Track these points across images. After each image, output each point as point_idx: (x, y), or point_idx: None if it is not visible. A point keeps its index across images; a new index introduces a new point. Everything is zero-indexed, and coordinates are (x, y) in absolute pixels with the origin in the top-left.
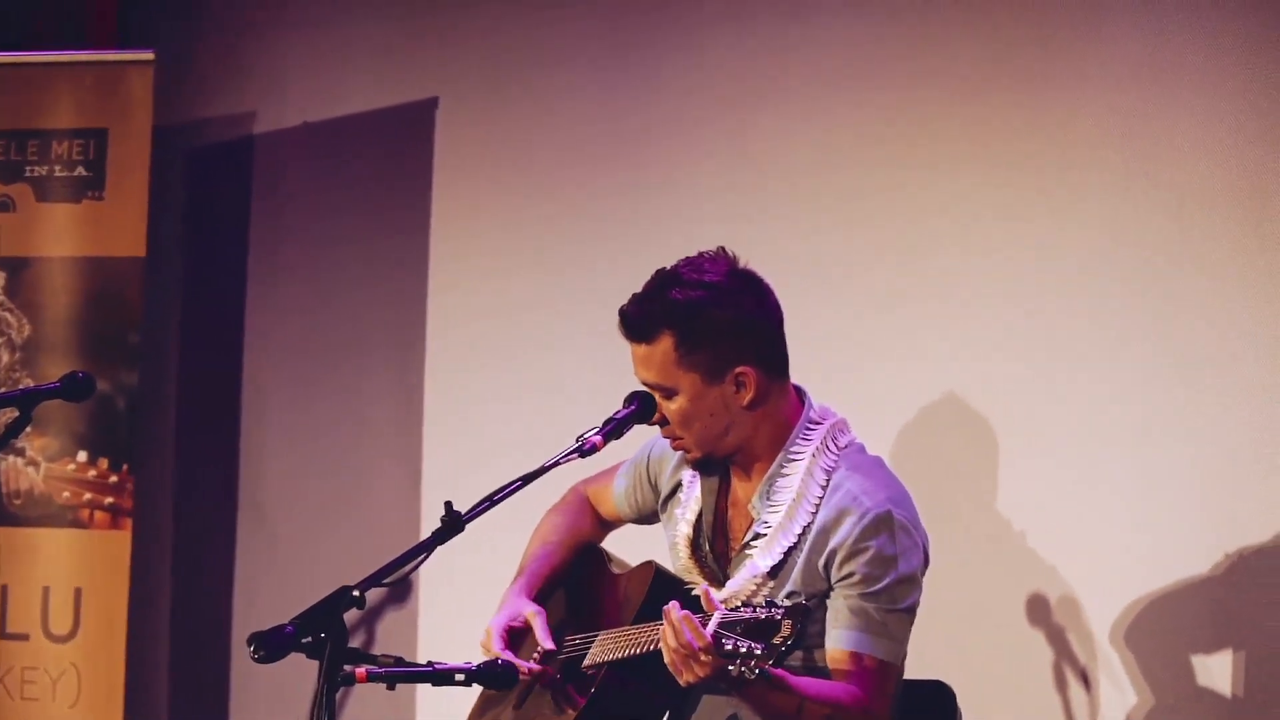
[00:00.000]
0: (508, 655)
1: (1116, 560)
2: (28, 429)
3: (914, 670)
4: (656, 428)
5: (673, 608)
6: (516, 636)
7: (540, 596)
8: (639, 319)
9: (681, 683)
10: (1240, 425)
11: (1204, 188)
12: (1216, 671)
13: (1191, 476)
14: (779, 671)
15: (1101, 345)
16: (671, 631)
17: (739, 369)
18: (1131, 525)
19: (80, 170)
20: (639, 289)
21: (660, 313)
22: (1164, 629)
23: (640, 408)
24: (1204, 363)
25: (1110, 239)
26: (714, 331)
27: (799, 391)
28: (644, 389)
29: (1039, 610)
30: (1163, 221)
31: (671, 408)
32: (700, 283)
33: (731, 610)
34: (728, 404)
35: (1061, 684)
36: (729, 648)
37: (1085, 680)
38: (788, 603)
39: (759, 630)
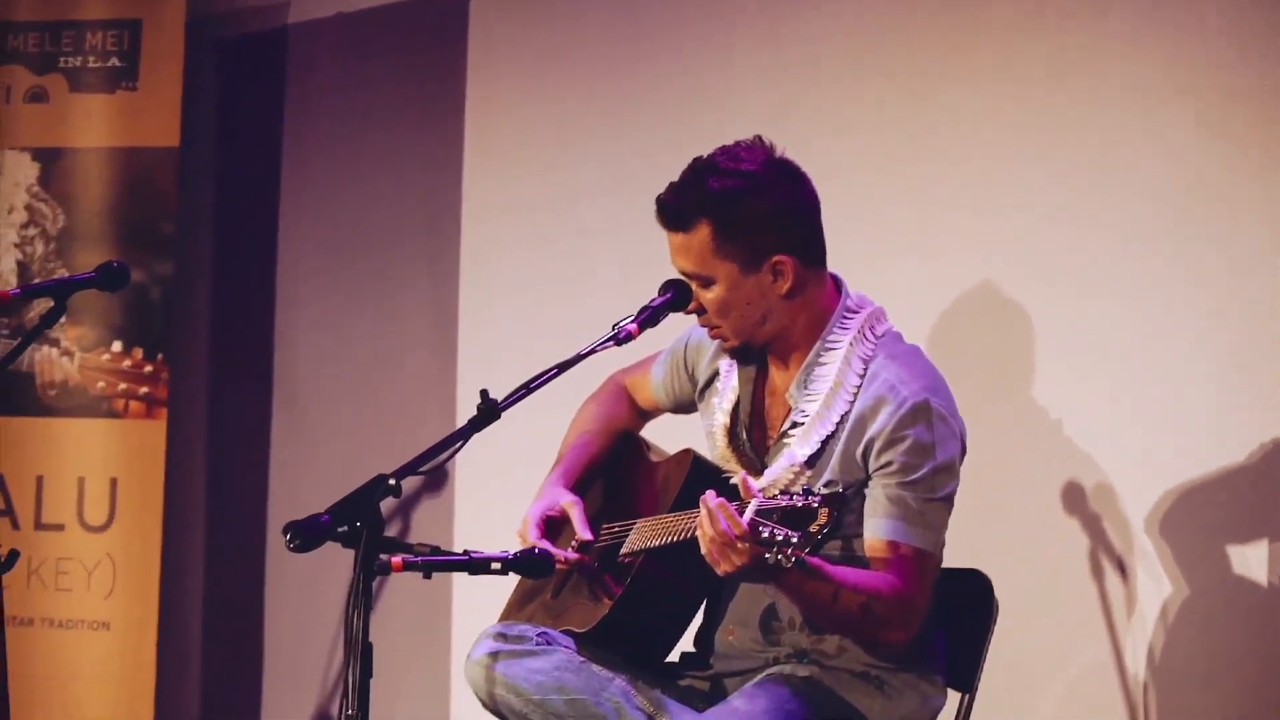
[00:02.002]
0: (544, 544)
1: (1153, 449)
2: (62, 319)
3: (951, 559)
4: (694, 317)
5: (709, 496)
6: (554, 525)
7: (578, 486)
8: (676, 208)
9: (719, 572)
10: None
11: (1226, 90)
12: (1254, 560)
13: (1230, 367)
14: (815, 560)
15: (1137, 239)
16: (708, 519)
17: (776, 258)
18: (1168, 414)
19: (114, 61)
20: (675, 178)
21: (698, 201)
22: (1200, 518)
23: (676, 296)
24: (1237, 255)
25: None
26: (751, 220)
27: (836, 280)
28: (680, 277)
29: (1075, 499)
30: (1183, 123)
31: (709, 296)
32: (737, 171)
33: (769, 498)
34: (765, 293)
35: (1098, 572)
36: (765, 535)
37: (1121, 569)
38: (825, 491)
39: (796, 518)
